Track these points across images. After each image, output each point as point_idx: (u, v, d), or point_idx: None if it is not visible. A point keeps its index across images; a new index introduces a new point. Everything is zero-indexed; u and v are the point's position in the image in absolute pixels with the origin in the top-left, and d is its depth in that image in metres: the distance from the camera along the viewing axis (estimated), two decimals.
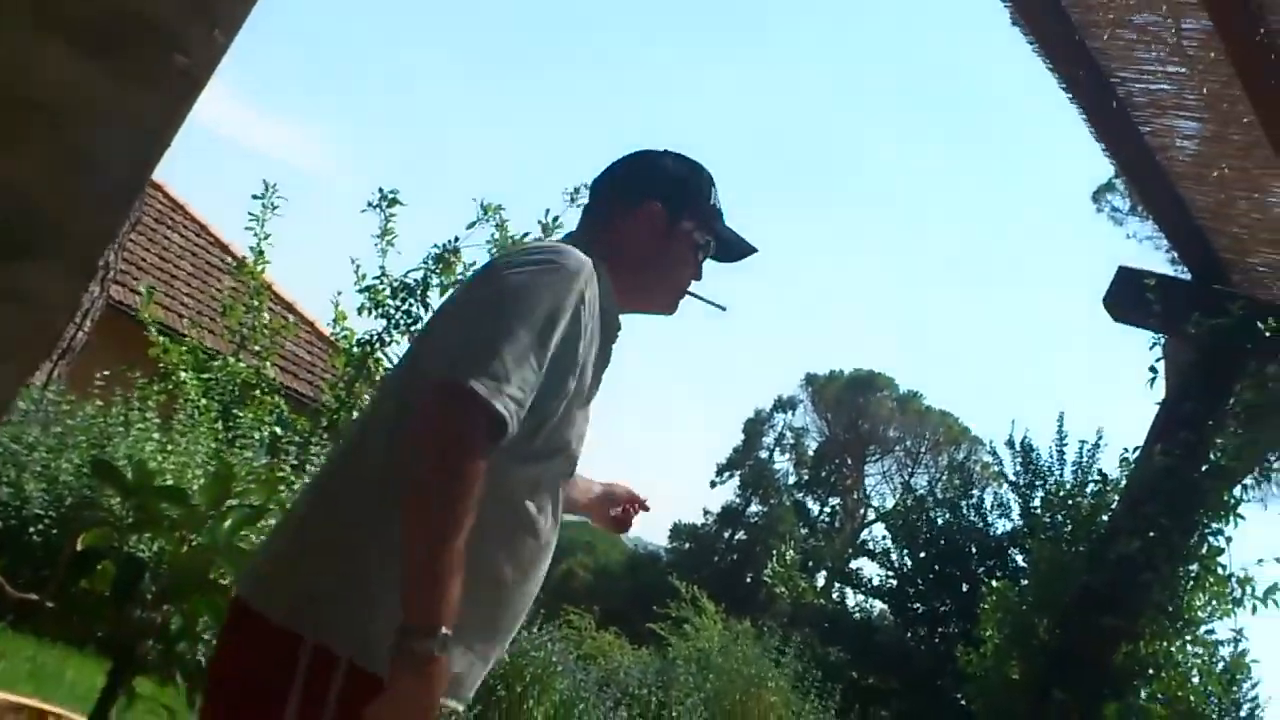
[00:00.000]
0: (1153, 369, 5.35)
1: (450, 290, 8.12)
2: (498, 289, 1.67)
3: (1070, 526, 5.43)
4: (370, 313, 7.84)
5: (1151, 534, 4.85)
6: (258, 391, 8.15)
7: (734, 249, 2.00)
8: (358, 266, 8.04)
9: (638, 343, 2.04)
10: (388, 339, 7.93)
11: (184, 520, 2.79)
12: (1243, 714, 14.06)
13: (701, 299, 1.99)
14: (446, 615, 1.46)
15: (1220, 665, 4.95)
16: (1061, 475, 13.65)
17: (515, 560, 1.69)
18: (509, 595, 1.71)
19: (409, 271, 8.02)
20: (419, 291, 7.80)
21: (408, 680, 1.44)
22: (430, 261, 7.94)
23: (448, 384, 1.52)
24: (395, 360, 8.17)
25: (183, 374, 7.75)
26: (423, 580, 1.47)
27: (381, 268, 8.05)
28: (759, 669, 11.42)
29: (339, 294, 8.29)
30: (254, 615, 1.62)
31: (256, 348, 8.70)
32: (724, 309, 2.02)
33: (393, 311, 7.83)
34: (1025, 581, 6.06)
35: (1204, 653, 4.94)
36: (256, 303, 8.73)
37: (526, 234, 7.83)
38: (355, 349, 8.14)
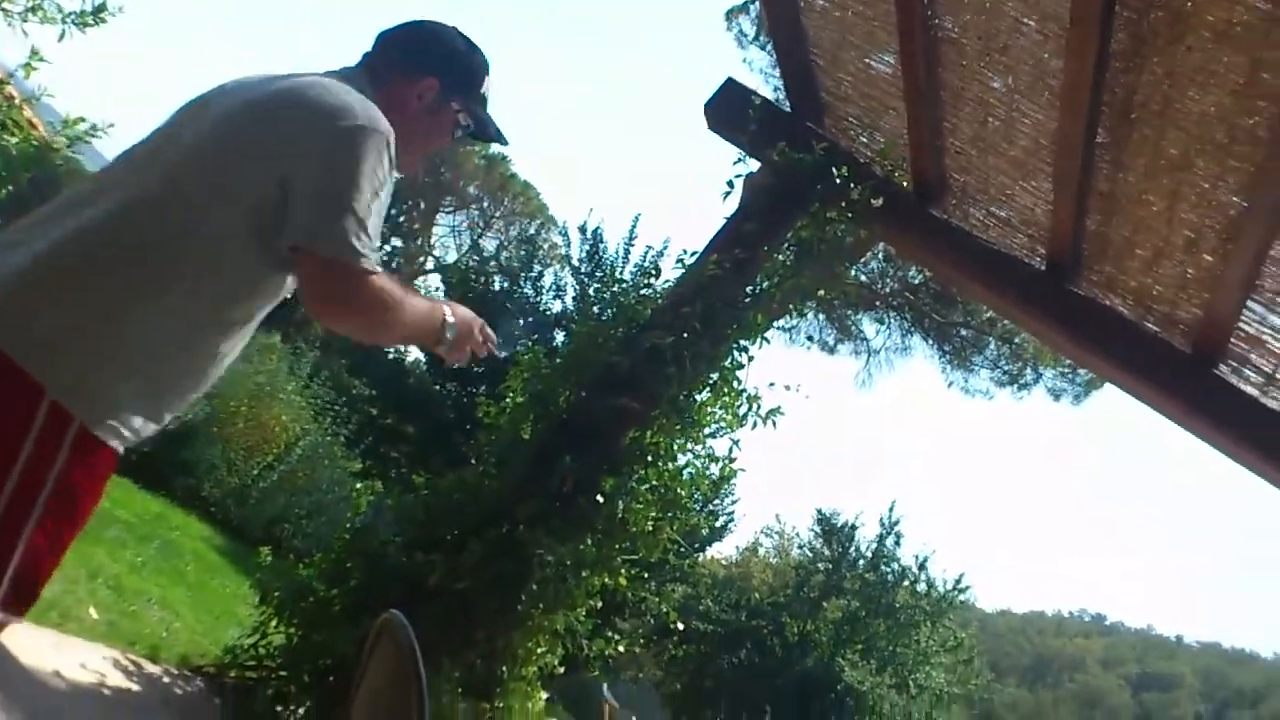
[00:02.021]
0: (730, 184, 5.49)
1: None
2: (346, 154, 1.78)
3: (614, 311, 5.54)
4: None
5: (685, 335, 5.04)
6: None
7: (488, 133, 2.23)
8: None
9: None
10: None
11: None
12: (718, 525, 15.86)
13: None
14: (436, 314, 1.98)
15: (712, 472, 5.33)
16: (622, 271, 14.26)
17: (212, 357, 1.85)
18: (190, 379, 1.85)
19: None
20: None
21: (453, 345, 2.04)
22: None
23: (341, 267, 1.76)
24: None
25: None
26: (415, 335, 1.97)
27: None
28: (271, 380, 11.34)
29: None
30: None
31: None
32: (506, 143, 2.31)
33: None
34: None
35: (701, 454, 5.30)
36: None
37: None
38: None
